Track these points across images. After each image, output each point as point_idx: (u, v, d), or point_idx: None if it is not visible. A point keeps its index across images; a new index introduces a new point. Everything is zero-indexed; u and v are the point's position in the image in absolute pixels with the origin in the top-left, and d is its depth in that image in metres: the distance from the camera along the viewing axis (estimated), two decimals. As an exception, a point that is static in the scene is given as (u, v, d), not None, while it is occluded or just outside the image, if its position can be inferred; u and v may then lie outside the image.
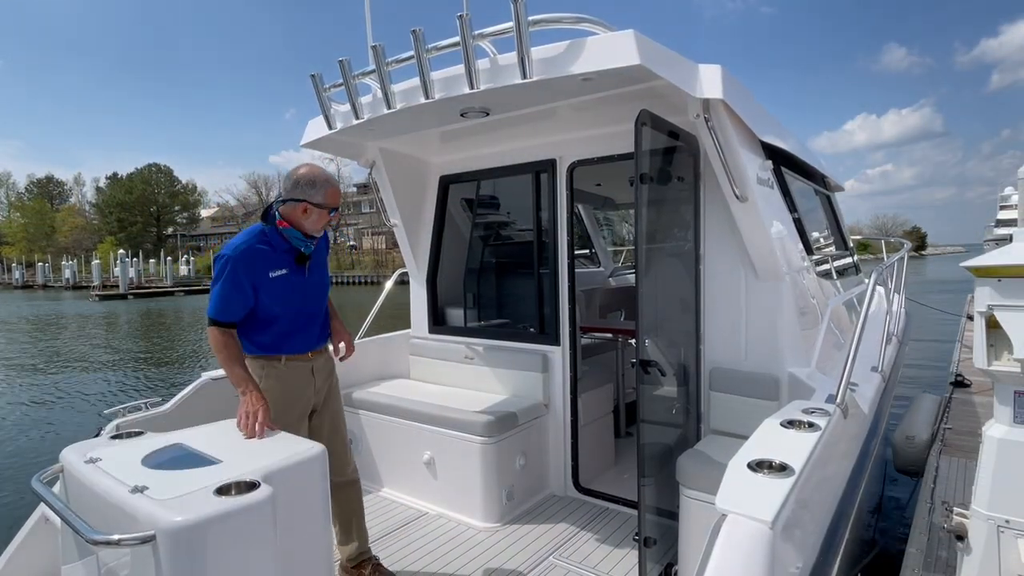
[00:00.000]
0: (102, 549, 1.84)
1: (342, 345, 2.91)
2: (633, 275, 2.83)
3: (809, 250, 3.69)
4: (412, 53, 2.72)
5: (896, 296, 4.86)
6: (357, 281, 51.83)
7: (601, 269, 6.97)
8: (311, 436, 2.67)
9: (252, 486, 1.75)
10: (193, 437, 2.23)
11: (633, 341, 3.08)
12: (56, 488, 2.13)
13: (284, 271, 2.54)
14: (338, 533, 2.85)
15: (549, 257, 3.89)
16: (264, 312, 2.53)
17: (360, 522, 2.90)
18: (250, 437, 2.26)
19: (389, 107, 3.00)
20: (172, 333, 21.89)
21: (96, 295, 42.06)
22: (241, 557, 1.69)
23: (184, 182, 77.95)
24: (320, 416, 2.79)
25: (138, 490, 1.73)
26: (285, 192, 2.53)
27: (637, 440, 2.67)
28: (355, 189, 63.27)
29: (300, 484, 1.97)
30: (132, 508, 1.67)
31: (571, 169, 3.76)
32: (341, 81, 3.05)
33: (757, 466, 1.75)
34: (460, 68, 2.67)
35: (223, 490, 1.73)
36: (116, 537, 1.59)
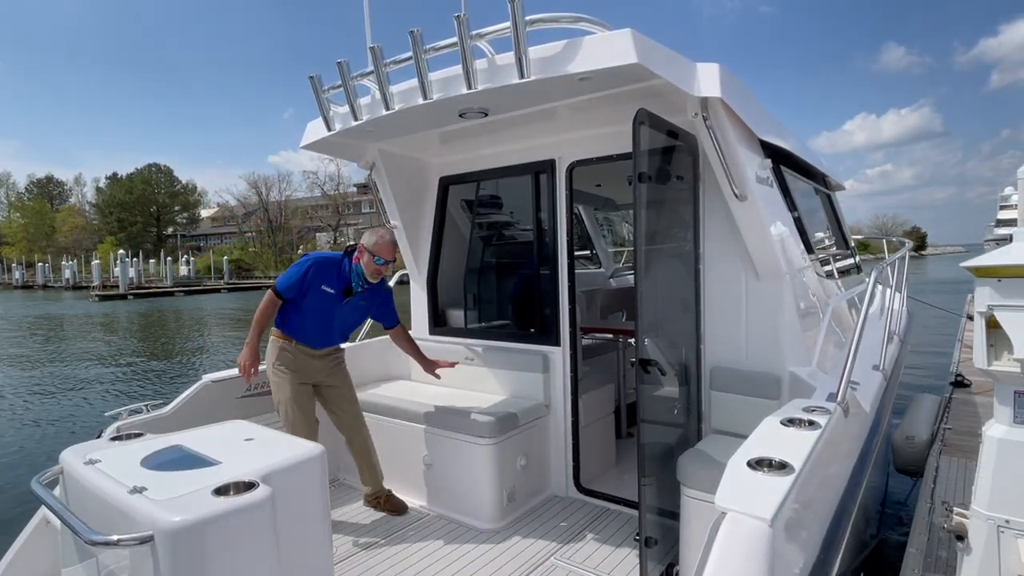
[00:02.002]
0: (101, 550, 1.84)
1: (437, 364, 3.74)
2: (633, 275, 2.83)
3: (810, 249, 3.69)
4: (410, 54, 2.72)
5: (897, 295, 4.85)
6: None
7: (602, 270, 6.96)
8: (326, 404, 3.55)
9: (250, 486, 1.75)
10: (192, 439, 2.23)
11: (633, 341, 3.08)
12: (56, 490, 2.13)
13: (332, 291, 3.28)
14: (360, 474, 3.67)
15: (549, 258, 3.89)
16: (304, 306, 3.28)
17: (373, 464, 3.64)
18: (241, 375, 3.22)
19: (388, 108, 3.00)
20: (173, 334, 21.89)
21: (96, 295, 41.93)
22: (240, 557, 1.69)
23: (184, 182, 77.47)
24: (328, 392, 3.52)
25: (137, 491, 1.73)
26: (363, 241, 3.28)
27: (638, 440, 2.66)
28: (354, 189, 63.22)
29: (299, 484, 1.97)
30: (131, 509, 1.68)
31: (570, 169, 3.76)
32: (340, 83, 3.05)
33: (757, 464, 1.75)
34: (458, 68, 2.67)
35: (221, 490, 1.73)
36: (115, 537, 1.60)
